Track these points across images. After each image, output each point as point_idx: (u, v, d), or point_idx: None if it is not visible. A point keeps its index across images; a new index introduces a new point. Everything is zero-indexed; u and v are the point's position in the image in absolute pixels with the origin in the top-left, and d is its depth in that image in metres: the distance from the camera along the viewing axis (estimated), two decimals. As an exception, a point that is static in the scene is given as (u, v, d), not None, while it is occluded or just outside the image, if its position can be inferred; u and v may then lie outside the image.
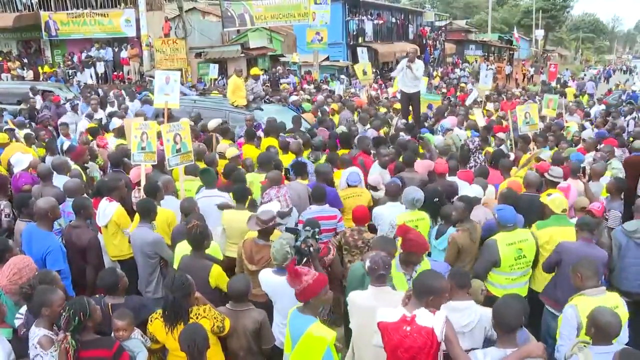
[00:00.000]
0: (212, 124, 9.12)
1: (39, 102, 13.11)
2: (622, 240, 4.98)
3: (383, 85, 24.17)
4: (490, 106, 15.02)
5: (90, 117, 10.79)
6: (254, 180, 6.37)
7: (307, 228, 4.36)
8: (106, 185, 5.83)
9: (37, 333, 3.40)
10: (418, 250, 4.05)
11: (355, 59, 29.67)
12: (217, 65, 20.36)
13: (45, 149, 8.14)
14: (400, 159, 7.04)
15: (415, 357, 3.03)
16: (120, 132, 8.76)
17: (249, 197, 5.62)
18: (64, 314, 3.32)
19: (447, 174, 6.43)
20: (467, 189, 5.98)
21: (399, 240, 4.11)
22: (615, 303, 3.74)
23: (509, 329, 3.25)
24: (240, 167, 6.80)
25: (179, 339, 3.35)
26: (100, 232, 5.46)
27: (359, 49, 17.53)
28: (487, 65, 35.77)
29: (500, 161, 6.81)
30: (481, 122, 11.06)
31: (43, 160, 7.38)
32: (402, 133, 9.33)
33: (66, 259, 4.77)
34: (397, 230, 4.09)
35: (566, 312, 3.74)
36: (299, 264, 4.08)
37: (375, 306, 3.45)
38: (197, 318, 3.64)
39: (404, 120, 10.81)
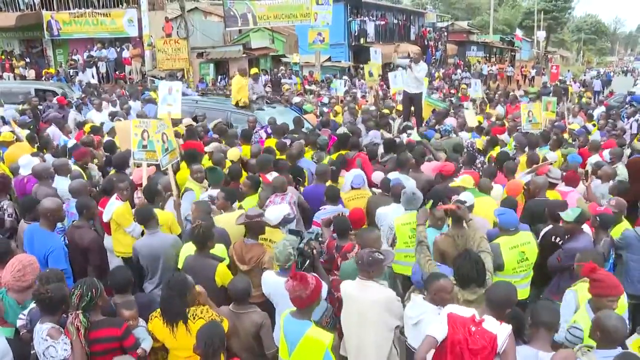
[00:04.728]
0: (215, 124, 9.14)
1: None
2: (633, 242, 5.04)
3: (384, 85, 24.14)
4: (499, 109, 14.80)
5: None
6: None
7: (310, 230, 4.36)
8: (112, 184, 5.79)
9: (44, 328, 3.45)
10: (610, 292, 3.45)
11: (356, 60, 29.76)
12: (212, 65, 20.31)
13: (40, 148, 8.06)
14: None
15: (472, 359, 3.13)
16: (113, 133, 8.72)
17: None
18: (75, 291, 3.43)
19: (453, 176, 6.39)
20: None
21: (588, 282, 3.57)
22: None
23: (547, 326, 3.28)
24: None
25: (197, 337, 3.30)
26: (106, 232, 5.45)
27: (371, 50, 17.51)
28: (488, 67, 35.80)
29: (505, 163, 6.80)
30: (470, 122, 10.91)
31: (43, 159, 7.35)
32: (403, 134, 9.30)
33: (68, 259, 4.75)
34: (582, 271, 3.56)
35: (567, 296, 4.07)
36: (302, 266, 4.07)
37: (357, 295, 3.83)
38: (194, 318, 3.62)
39: (403, 123, 10.79)
